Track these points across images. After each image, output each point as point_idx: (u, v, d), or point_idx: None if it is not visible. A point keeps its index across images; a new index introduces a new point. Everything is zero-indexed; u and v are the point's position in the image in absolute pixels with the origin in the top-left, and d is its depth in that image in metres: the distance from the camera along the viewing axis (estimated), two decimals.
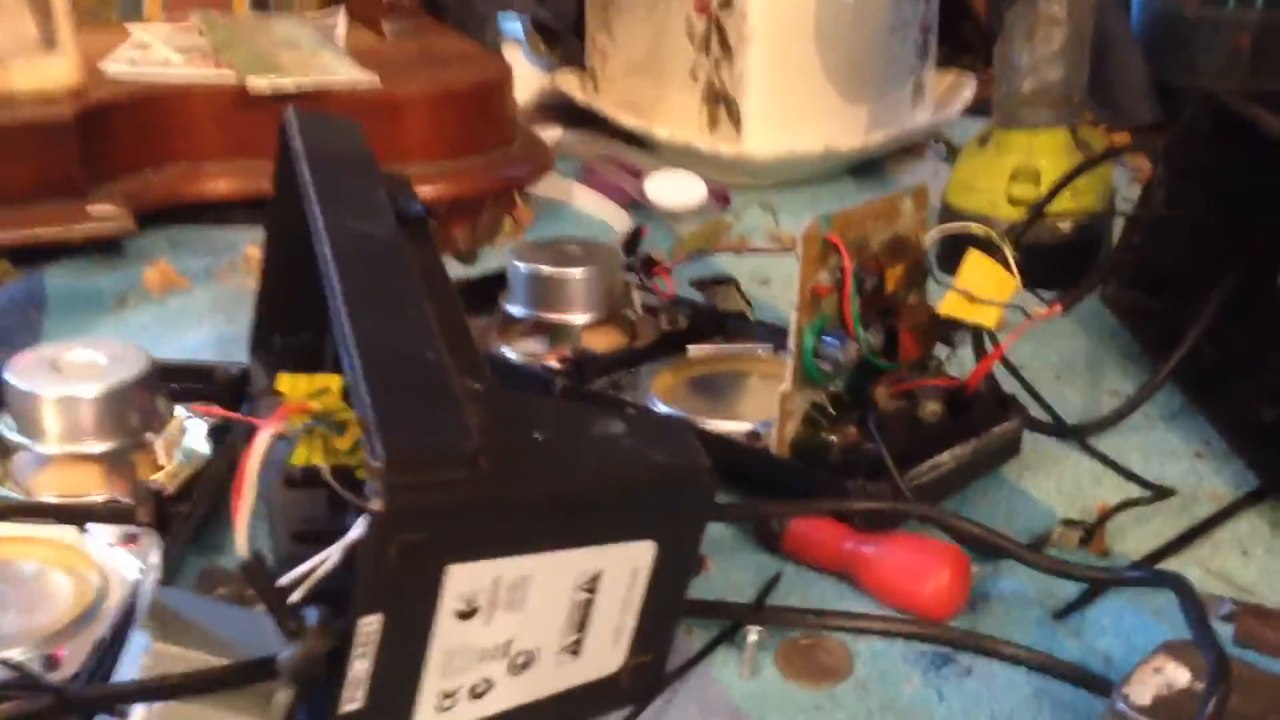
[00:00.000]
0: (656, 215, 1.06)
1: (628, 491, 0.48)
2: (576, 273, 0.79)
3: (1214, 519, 0.66)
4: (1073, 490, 0.70)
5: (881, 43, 1.16)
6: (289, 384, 0.44)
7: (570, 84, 1.32)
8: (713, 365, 0.79)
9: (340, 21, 1.15)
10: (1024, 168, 0.93)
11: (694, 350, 0.80)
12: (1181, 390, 0.79)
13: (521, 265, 0.80)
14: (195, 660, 0.43)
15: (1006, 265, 0.65)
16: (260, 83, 0.98)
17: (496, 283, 0.83)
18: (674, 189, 1.04)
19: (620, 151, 1.17)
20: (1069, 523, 0.64)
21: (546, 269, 0.79)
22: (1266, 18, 1.27)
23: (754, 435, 0.68)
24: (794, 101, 1.13)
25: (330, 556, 0.42)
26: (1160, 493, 0.68)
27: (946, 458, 0.66)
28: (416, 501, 0.41)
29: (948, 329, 0.68)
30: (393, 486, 0.41)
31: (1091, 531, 0.63)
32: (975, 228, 0.68)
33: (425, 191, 0.99)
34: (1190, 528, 0.65)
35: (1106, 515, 0.65)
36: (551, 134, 1.19)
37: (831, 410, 0.66)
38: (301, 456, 0.45)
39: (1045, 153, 0.94)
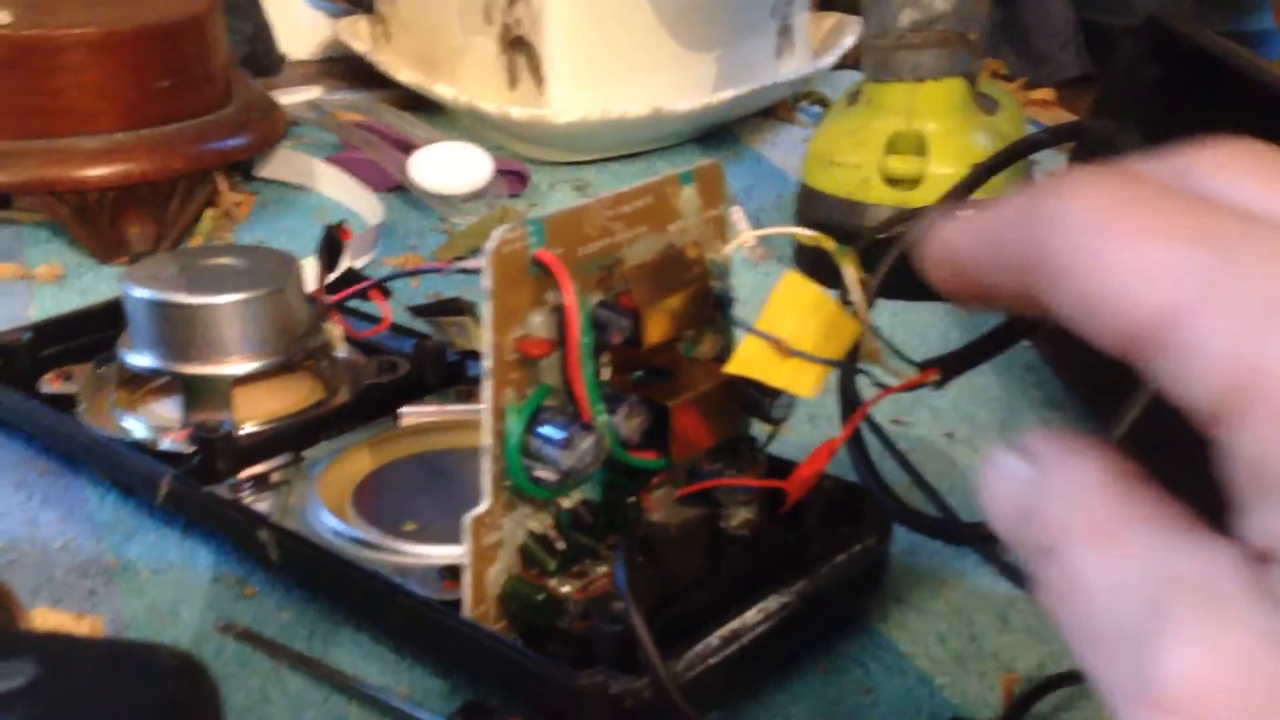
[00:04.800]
0: (424, 203, 0.80)
1: None
2: (223, 301, 0.52)
3: None
4: (965, 642, 0.44)
5: None
6: None
7: (356, 33, 1.05)
8: (434, 439, 0.52)
9: None
10: (904, 134, 0.67)
11: (408, 414, 0.53)
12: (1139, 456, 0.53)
13: (139, 292, 0.52)
14: None
15: (845, 297, 0.40)
16: None
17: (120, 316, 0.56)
18: (446, 167, 0.77)
19: (399, 119, 0.90)
20: None
21: (177, 297, 0.52)
22: None
23: (452, 574, 0.42)
24: (613, 49, 0.86)
25: None
26: None
27: (755, 614, 0.40)
28: None
29: (759, 395, 0.42)
30: None
31: None
32: (801, 233, 0.42)
33: (88, 175, 0.71)
34: None
35: (1018, 707, 0.40)
36: (304, 96, 0.91)
37: (560, 544, 0.40)
38: None
39: (933, 112, 0.68)
